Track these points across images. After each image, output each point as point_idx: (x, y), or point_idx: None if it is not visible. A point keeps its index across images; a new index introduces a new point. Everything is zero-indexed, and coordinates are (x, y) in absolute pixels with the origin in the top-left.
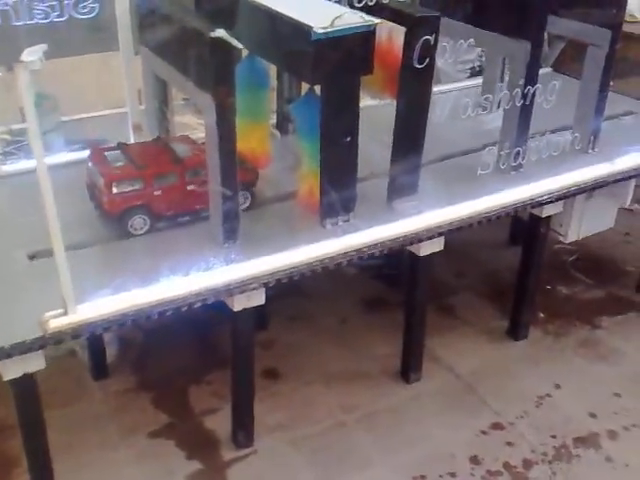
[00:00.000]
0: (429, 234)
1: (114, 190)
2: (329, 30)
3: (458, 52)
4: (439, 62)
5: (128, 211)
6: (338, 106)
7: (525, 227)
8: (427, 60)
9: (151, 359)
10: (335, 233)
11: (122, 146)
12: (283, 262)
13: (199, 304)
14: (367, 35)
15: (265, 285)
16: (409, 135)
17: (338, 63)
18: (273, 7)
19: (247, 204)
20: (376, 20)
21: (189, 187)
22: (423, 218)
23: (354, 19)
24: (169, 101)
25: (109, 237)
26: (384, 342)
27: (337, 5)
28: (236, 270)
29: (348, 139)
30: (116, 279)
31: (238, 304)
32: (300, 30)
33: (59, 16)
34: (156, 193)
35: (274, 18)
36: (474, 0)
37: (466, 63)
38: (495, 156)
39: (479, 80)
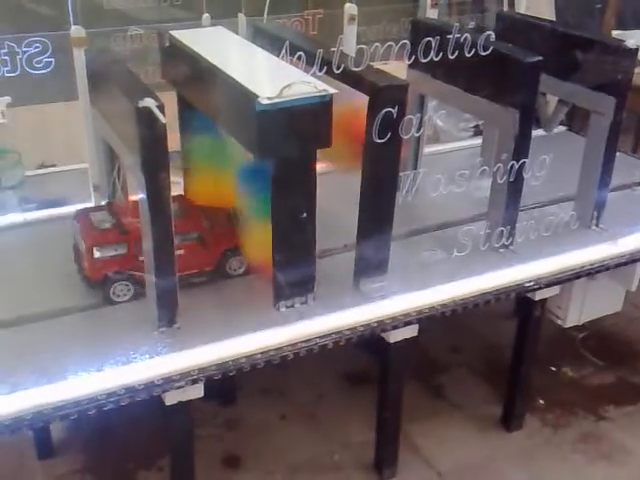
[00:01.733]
0: (394, 323)
1: (96, 255)
2: (276, 101)
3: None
4: (438, 120)
5: (110, 277)
6: (291, 182)
7: (518, 308)
8: (389, 134)
9: (103, 437)
10: (287, 319)
11: (109, 206)
12: (219, 354)
13: (111, 405)
14: (322, 106)
15: (194, 382)
16: (375, 213)
17: (288, 136)
18: (223, 68)
19: (242, 269)
20: (331, 90)
21: (177, 252)
22: (390, 303)
23: (306, 89)
24: (117, 162)
25: (84, 305)
26: (361, 426)
27: (296, 70)
28: (161, 364)
29: (304, 215)
30: (24, 370)
31: (170, 398)
32: (246, 98)
33: (10, 71)
34: (141, 259)
35: (223, 81)
36: (461, 59)
37: (469, 121)
38: (479, 234)
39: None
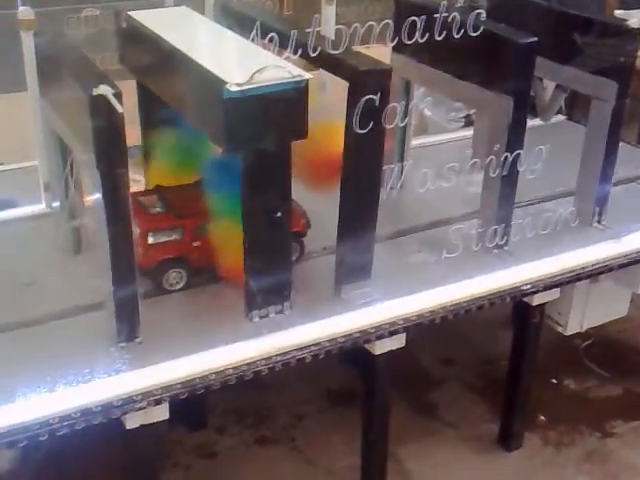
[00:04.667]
0: (378, 333)
1: (150, 241)
2: (246, 88)
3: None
4: (426, 109)
5: (164, 264)
6: (263, 177)
7: (514, 315)
8: (371, 124)
9: (57, 465)
10: (261, 330)
11: (160, 190)
12: (185, 371)
13: (65, 430)
14: (297, 93)
15: (157, 403)
16: (357, 212)
17: (260, 127)
18: (187, 52)
19: (295, 257)
20: (307, 75)
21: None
22: (374, 311)
23: (279, 74)
24: (70, 157)
25: (33, 319)
26: (346, 449)
27: (268, 53)
28: (120, 383)
29: (278, 214)
30: None
31: (131, 421)
32: (213, 85)
33: None
34: (195, 244)
35: (187, 66)
36: (448, 42)
37: (459, 111)
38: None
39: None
